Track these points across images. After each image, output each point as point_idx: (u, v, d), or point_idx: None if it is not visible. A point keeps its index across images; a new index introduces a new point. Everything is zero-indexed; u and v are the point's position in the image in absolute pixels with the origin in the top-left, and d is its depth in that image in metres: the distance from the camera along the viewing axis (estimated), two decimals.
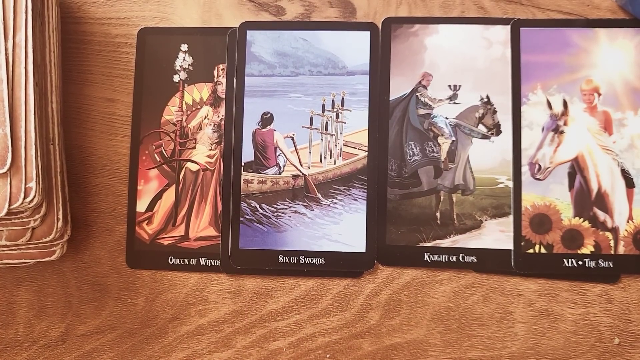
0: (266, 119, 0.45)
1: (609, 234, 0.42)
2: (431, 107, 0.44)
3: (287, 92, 0.45)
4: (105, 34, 0.47)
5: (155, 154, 0.45)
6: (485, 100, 0.44)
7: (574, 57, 0.44)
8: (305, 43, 0.45)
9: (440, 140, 0.44)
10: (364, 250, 0.43)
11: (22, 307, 0.45)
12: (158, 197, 0.45)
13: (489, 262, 0.42)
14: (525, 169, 0.43)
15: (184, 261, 0.44)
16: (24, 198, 0.36)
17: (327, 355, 0.43)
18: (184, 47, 0.46)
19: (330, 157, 0.45)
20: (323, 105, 0.45)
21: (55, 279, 0.45)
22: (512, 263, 0.42)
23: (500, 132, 0.44)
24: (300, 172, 0.45)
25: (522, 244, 0.42)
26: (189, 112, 0.45)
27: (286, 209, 0.44)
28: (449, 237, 0.43)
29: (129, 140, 0.45)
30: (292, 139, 0.45)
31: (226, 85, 0.45)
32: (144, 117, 0.45)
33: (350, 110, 0.45)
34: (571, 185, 0.43)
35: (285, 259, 0.43)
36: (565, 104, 0.43)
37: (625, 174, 0.43)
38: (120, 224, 0.45)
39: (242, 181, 0.44)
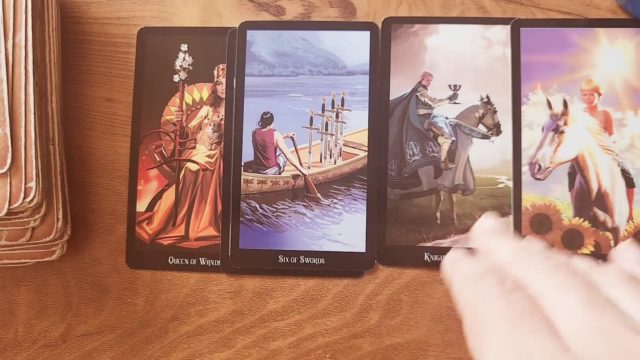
0: (266, 119, 0.45)
1: (609, 234, 0.42)
2: (431, 107, 0.44)
3: (287, 92, 0.45)
4: (105, 34, 0.47)
5: (155, 154, 0.45)
6: (485, 100, 0.44)
7: (574, 57, 0.44)
8: (305, 43, 0.45)
9: (440, 140, 0.44)
10: (364, 250, 0.43)
11: (22, 307, 0.45)
12: (158, 197, 0.45)
13: None
14: (525, 169, 0.43)
15: (184, 261, 0.44)
16: (24, 198, 0.36)
17: (327, 355, 0.43)
18: (184, 47, 0.46)
19: (330, 157, 0.45)
20: (323, 105, 0.45)
21: (55, 279, 0.45)
22: None
23: (500, 132, 0.44)
24: (300, 172, 0.45)
25: None
26: (189, 112, 0.45)
27: (286, 209, 0.44)
28: (449, 237, 0.43)
29: (129, 140, 0.45)
30: (292, 138, 0.45)
31: (226, 85, 0.45)
32: (144, 117, 0.45)
33: (350, 110, 0.45)
34: (571, 185, 0.43)
35: (285, 259, 0.43)
36: (565, 103, 0.43)
37: (625, 173, 0.43)
38: (120, 224, 0.45)
39: (242, 181, 0.44)
